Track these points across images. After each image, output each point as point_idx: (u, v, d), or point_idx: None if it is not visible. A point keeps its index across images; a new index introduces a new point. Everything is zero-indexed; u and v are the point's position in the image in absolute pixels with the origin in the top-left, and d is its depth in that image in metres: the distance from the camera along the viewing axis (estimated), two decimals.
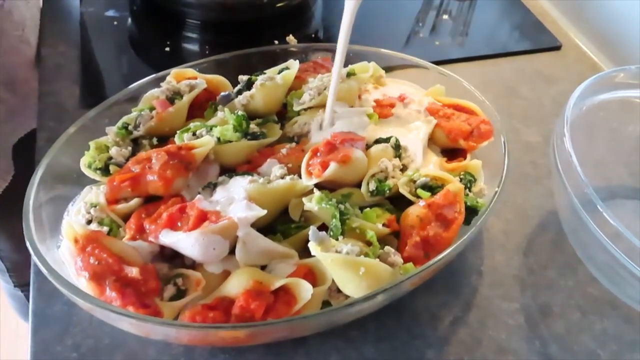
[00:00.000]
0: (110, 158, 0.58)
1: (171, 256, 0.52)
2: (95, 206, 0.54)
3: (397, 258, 0.49)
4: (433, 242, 0.51)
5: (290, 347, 0.53)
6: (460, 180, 0.57)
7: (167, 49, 0.84)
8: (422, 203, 0.53)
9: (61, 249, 0.52)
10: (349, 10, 0.56)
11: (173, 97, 0.62)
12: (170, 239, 0.49)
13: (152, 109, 0.61)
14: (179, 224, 0.50)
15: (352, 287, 0.47)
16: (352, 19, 0.56)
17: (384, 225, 0.52)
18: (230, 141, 0.58)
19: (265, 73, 0.65)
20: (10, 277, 1.06)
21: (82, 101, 0.74)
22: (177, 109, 0.61)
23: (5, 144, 0.81)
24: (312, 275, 0.50)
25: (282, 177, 0.54)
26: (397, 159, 0.58)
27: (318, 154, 0.56)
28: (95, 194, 0.55)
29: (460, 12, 0.96)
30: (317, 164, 0.54)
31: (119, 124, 0.61)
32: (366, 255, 0.48)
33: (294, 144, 0.60)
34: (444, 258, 0.49)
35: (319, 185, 0.54)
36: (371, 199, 0.55)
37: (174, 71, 0.65)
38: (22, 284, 1.09)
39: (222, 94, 0.64)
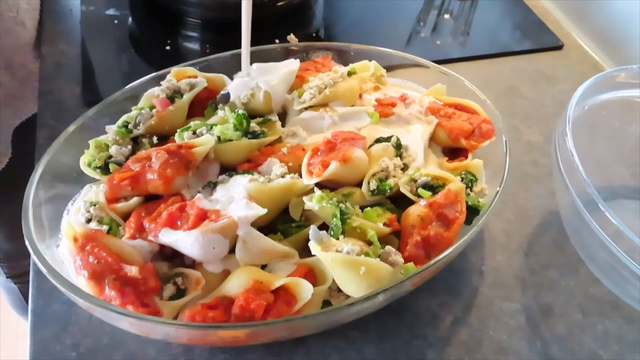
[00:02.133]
0: (110, 157, 0.57)
1: (171, 255, 0.52)
2: (94, 205, 0.54)
3: (397, 258, 0.49)
4: (434, 242, 0.50)
5: (290, 347, 0.53)
6: (462, 180, 0.57)
7: (168, 47, 0.84)
8: (423, 202, 0.53)
9: (60, 248, 0.52)
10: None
11: (173, 96, 0.62)
12: (170, 237, 0.49)
13: (152, 107, 0.61)
14: (179, 222, 0.50)
15: (353, 286, 0.47)
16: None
17: (384, 224, 0.52)
18: (230, 140, 0.57)
19: None
20: (1, 267, 1.05)
21: (82, 100, 0.74)
22: (177, 108, 0.61)
23: (5, 127, 0.80)
24: (313, 275, 0.50)
25: (283, 176, 0.54)
26: (398, 158, 0.58)
27: (319, 153, 0.55)
28: (95, 193, 0.55)
29: (461, 12, 0.96)
30: (318, 163, 0.54)
31: (119, 122, 0.61)
32: (367, 254, 0.48)
33: (295, 143, 0.60)
34: (444, 258, 0.49)
35: (319, 185, 0.54)
36: (372, 198, 0.55)
37: (174, 70, 0.65)
38: (15, 275, 1.08)
39: (222, 92, 0.63)
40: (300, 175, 0.55)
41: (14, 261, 1.04)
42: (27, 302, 0.55)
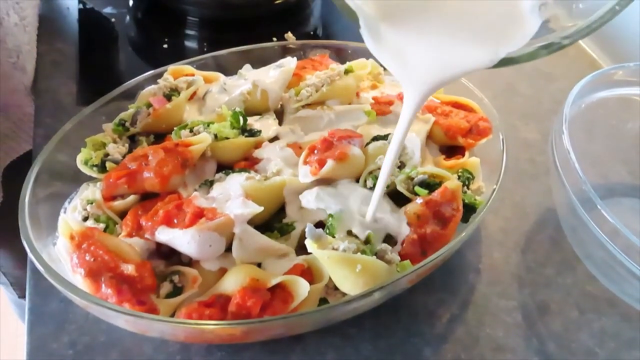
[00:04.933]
0: (107, 155, 0.57)
1: (167, 253, 0.52)
2: (91, 203, 0.54)
3: (394, 255, 0.49)
4: (430, 240, 0.50)
5: (287, 344, 0.53)
6: (458, 178, 0.57)
7: (165, 46, 0.84)
8: (419, 200, 0.53)
9: (57, 246, 0.52)
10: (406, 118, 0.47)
11: (170, 94, 0.62)
12: (167, 235, 0.49)
13: (149, 105, 0.61)
14: (176, 221, 0.50)
15: (349, 284, 0.47)
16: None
17: None
18: (227, 138, 0.57)
19: None
20: (14, 289, 1.06)
21: (79, 98, 0.74)
22: (174, 106, 0.61)
23: None
24: (309, 273, 0.50)
25: (279, 174, 0.54)
26: None
27: (315, 151, 0.55)
28: (91, 191, 0.55)
29: None
30: (314, 161, 0.54)
31: (116, 120, 0.61)
32: (363, 252, 0.48)
33: (292, 141, 0.60)
34: (441, 255, 0.49)
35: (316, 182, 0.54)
36: None
37: (171, 68, 0.65)
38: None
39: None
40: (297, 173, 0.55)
41: (24, 285, 1.05)
42: None
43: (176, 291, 0.49)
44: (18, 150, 0.80)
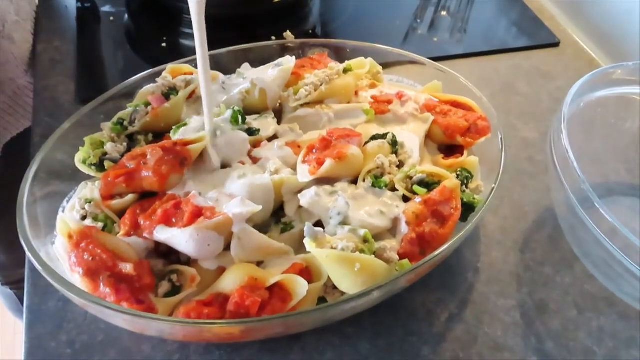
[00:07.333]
0: (105, 154, 0.57)
1: (166, 252, 0.52)
2: (90, 202, 0.54)
3: (392, 254, 0.49)
4: (429, 239, 0.50)
5: (286, 343, 0.53)
6: (457, 177, 0.57)
7: (164, 44, 0.84)
8: (418, 199, 0.53)
9: (56, 245, 0.52)
10: (195, 11, 0.52)
11: (168, 93, 0.62)
12: (165, 235, 0.49)
13: (147, 104, 0.61)
14: (174, 220, 0.50)
15: (348, 283, 0.47)
16: (202, 20, 0.53)
17: None
18: None
19: None
20: None
21: (77, 97, 0.74)
22: (173, 105, 0.60)
23: None
24: (308, 272, 0.50)
25: (277, 173, 0.54)
26: (394, 155, 0.58)
27: (314, 150, 0.55)
28: (90, 190, 0.55)
29: (458, 9, 0.96)
30: (313, 161, 0.54)
31: (114, 119, 0.60)
32: (362, 251, 0.48)
33: (290, 140, 0.60)
34: (440, 254, 0.49)
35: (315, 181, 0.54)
36: None
37: (169, 66, 0.65)
38: (11, 282, 1.09)
39: None
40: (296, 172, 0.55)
41: (9, 270, 1.05)
42: (22, 305, 0.55)
43: (175, 290, 0.49)
44: (17, 126, 0.79)
